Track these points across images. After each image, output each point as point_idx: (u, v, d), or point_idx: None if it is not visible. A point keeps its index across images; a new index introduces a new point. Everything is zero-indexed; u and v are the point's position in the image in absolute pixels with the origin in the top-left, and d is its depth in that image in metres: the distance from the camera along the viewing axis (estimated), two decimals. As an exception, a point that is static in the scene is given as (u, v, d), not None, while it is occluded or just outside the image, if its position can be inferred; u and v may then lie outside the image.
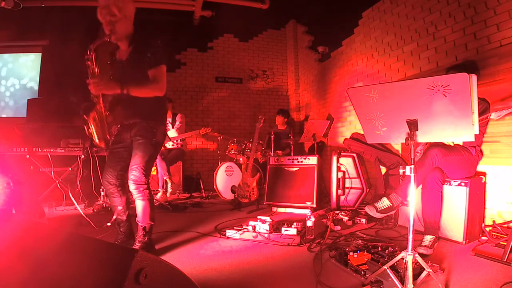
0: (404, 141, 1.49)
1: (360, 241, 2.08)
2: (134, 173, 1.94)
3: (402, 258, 1.43)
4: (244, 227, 2.46)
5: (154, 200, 3.68)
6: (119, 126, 2.10)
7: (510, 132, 2.37)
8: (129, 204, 2.13)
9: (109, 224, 2.25)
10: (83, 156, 3.67)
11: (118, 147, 2.07)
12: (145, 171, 1.96)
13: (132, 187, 1.95)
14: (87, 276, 0.88)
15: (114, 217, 2.06)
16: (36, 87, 4.98)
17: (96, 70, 1.82)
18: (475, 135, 1.36)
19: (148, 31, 2.00)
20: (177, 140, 4.44)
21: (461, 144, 2.27)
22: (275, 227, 2.42)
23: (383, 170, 3.36)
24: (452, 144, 2.27)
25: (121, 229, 2.11)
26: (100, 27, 1.88)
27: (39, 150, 3.58)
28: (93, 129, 1.90)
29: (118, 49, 2.04)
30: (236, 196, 3.87)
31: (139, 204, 1.99)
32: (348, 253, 1.77)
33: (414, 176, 1.45)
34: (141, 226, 2.02)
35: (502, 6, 2.39)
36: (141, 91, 1.90)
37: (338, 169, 3.34)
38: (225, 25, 5.71)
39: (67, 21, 4.57)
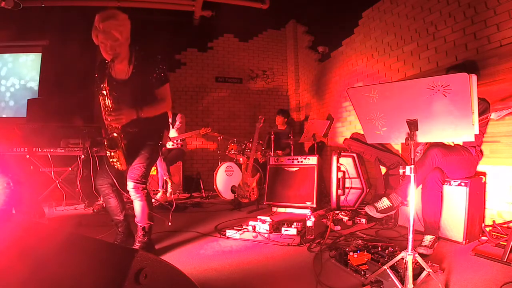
0: (404, 141, 1.49)
1: (360, 241, 2.08)
2: (135, 172, 1.94)
3: (402, 258, 1.43)
4: (244, 227, 2.46)
5: (154, 200, 3.70)
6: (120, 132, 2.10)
7: (510, 132, 2.37)
8: (125, 204, 2.12)
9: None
10: (83, 156, 3.67)
11: None
12: (146, 171, 1.97)
13: (130, 185, 1.94)
14: (87, 276, 0.88)
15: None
16: (36, 87, 4.97)
17: (111, 103, 1.79)
18: (475, 135, 1.36)
19: (144, 42, 2.01)
20: (177, 140, 4.43)
21: (461, 144, 2.27)
22: (275, 227, 2.42)
23: (383, 170, 3.36)
24: (452, 144, 2.26)
25: (119, 229, 2.11)
26: (97, 51, 1.85)
27: (39, 150, 3.58)
28: (118, 159, 1.89)
29: (109, 65, 1.86)
30: (236, 196, 3.87)
31: (137, 205, 1.99)
32: (348, 253, 1.77)
33: (414, 176, 1.45)
34: (140, 226, 2.02)
35: (502, 6, 2.39)
36: (153, 112, 1.92)
37: (338, 169, 3.34)
38: (225, 25, 5.71)
39: (67, 21, 4.57)
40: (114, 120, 1.77)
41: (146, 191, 1.99)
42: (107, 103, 1.78)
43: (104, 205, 3.36)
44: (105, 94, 1.77)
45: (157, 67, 1.93)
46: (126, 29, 1.81)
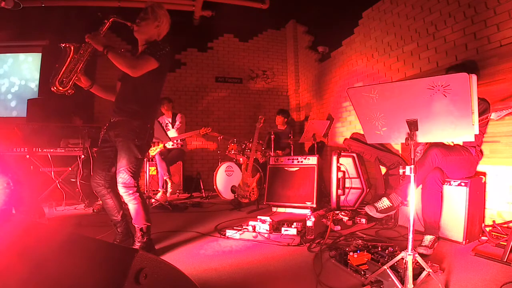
0: (404, 141, 1.49)
1: (360, 241, 2.08)
2: (121, 176, 1.91)
3: (402, 258, 1.43)
4: (244, 227, 2.46)
5: (154, 200, 3.70)
6: (107, 124, 2.08)
7: (510, 132, 2.37)
8: (122, 204, 2.11)
9: None
10: (83, 156, 3.67)
11: (105, 146, 2.05)
12: (132, 173, 1.92)
13: (121, 190, 1.92)
14: (87, 276, 0.88)
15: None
16: (36, 87, 4.97)
17: (103, 31, 1.89)
18: (475, 135, 1.36)
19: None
20: (177, 140, 4.44)
21: (461, 144, 2.27)
22: (275, 227, 2.42)
23: (383, 170, 3.36)
24: (452, 144, 2.27)
25: (118, 229, 2.10)
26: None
27: (39, 150, 3.58)
28: (65, 64, 1.87)
29: (135, 54, 2.09)
30: (236, 196, 3.87)
31: (132, 208, 1.98)
32: (348, 253, 1.77)
33: (414, 176, 1.45)
34: (138, 227, 2.01)
35: (502, 6, 2.39)
36: (117, 58, 1.82)
37: (338, 169, 3.34)
38: (225, 25, 5.71)
39: (67, 21, 4.56)
40: (89, 36, 1.82)
41: (138, 193, 1.95)
42: (101, 29, 1.88)
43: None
44: (105, 25, 1.88)
45: (158, 46, 2.00)
46: (160, 13, 2.06)
